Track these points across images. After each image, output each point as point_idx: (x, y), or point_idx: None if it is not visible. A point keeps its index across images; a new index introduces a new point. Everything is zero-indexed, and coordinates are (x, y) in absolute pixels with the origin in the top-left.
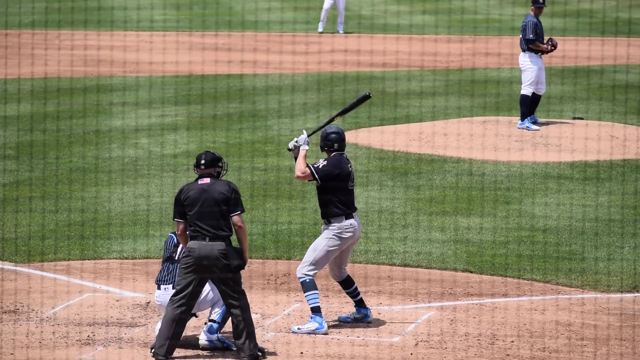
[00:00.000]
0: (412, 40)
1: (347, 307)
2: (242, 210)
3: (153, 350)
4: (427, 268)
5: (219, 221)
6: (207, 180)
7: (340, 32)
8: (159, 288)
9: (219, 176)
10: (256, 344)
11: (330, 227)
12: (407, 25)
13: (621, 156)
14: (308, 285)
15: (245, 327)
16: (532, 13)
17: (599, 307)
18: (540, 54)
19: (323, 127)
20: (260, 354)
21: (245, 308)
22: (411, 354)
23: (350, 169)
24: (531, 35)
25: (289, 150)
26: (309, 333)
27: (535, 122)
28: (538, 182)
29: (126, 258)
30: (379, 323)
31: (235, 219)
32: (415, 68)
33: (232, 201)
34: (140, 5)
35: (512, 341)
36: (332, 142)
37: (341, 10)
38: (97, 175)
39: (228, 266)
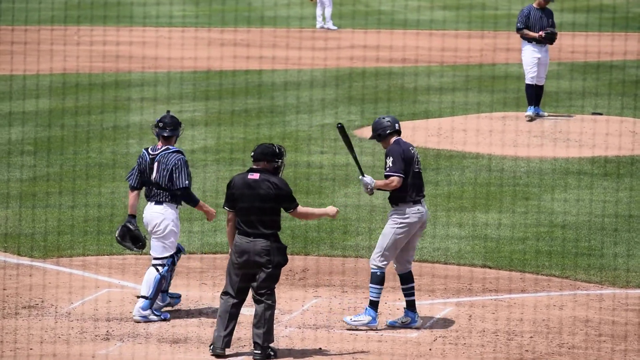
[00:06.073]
0: (432, 36)
1: (396, 310)
2: (297, 205)
3: (211, 347)
4: (445, 264)
5: (262, 218)
6: (255, 175)
7: (333, 27)
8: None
9: (276, 171)
10: (271, 341)
11: (396, 212)
12: (427, 21)
13: None
14: (376, 279)
15: (266, 324)
16: (534, 4)
17: (617, 303)
18: (537, 43)
19: (355, 158)
20: (272, 353)
21: (272, 307)
22: (430, 349)
23: (413, 151)
24: (518, 24)
25: (371, 194)
26: (361, 326)
27: (538, 114)
28: (557, 177)
29: (143, 254)
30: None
31: (293, 214)
32: (435, 64)
33: (282, 198)
34: (160, 0)
35: (531, 337)
36: (386, 128)
37: (326, 4)
38: (115, 170)
39: (270, 262)
